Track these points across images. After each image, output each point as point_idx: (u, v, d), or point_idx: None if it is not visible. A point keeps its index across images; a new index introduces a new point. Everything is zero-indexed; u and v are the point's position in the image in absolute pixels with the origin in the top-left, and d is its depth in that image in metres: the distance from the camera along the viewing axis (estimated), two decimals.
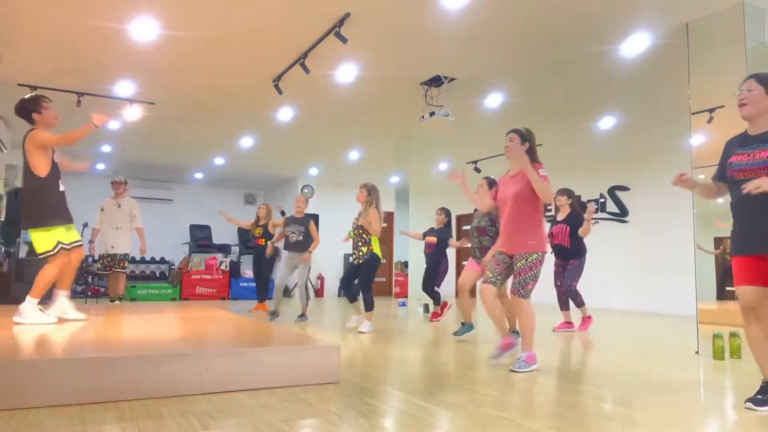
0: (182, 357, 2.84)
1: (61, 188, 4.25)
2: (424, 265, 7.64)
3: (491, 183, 5.33)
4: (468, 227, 6.39)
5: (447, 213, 7.67)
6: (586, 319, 6.37)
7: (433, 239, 7.53)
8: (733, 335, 4.46)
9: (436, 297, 7.62)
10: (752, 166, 2.77)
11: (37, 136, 4.14)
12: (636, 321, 7.99)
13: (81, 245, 4.41)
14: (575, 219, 6.27)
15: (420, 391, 3.08)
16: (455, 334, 5.53)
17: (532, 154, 3.90)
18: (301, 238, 6.92)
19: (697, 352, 4.75)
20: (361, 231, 5.88)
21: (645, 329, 6.95)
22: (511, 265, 3.91)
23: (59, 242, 4.17)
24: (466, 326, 5.53)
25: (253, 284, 11.71)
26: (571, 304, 6.41)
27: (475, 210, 5.53)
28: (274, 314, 6.85)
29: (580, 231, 6.14)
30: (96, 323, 4.30)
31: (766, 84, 2.82)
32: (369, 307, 5.91)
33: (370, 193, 5.93)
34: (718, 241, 6.72)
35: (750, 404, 2.80)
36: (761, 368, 2.84)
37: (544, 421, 2.51)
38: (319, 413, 2.57)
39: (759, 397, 2.81)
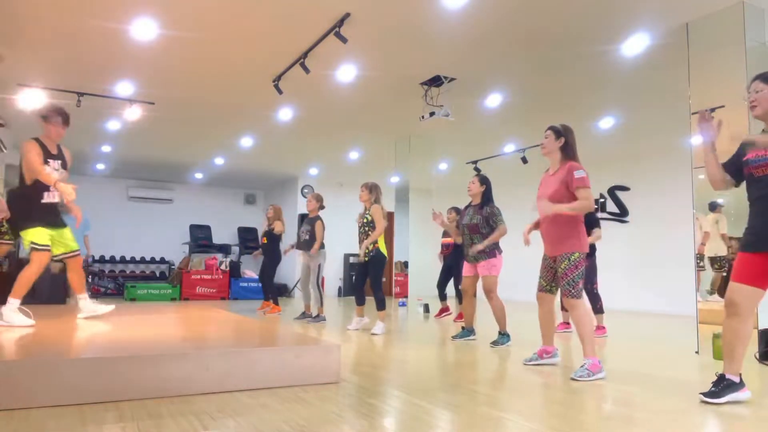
0: (182, 357, 2.84)
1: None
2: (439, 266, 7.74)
3: (483, 180, 5.34)
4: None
5: (458, 211, 7.53)
6: (600, 328, 5.99)
7: (450, 240, 7.56)
8: None
9: (460, 296, 7.56)
10: (767, 161, 2.82)
11: None
12: (636, 321, 7.99)
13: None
14: (588, 218, 6.09)
15: (420, 391, 3.08)
16: (454, 337, 5.50)
17: (568, 150, 3.82)
18: (308, 237, 7.11)
19: (697, 352, 4.75)
20: (367, 229, 5.91)
21: (645, 329, 6.95)
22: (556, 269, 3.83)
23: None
24: (466, 331, 5.50)
25: (253, 284, 11.75)
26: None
27: (467, 206, 5.48)
28: (316, 318, 7.03)
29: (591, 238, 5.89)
30: (96, 323, 4.29)
31: None
32: (381, 306, 5.90)
33: (372, 191, 5.99)
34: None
35: (702, 396, 2.88)
36: (724, 360, 2.93)
37: (545, 421, 2.51)
38: (319, 413, 2.57)
39: (713, 389, 2.89)
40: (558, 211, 3.67)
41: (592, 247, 6.02)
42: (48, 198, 4.21)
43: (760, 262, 2.83)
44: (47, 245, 4.17)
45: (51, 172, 4.13)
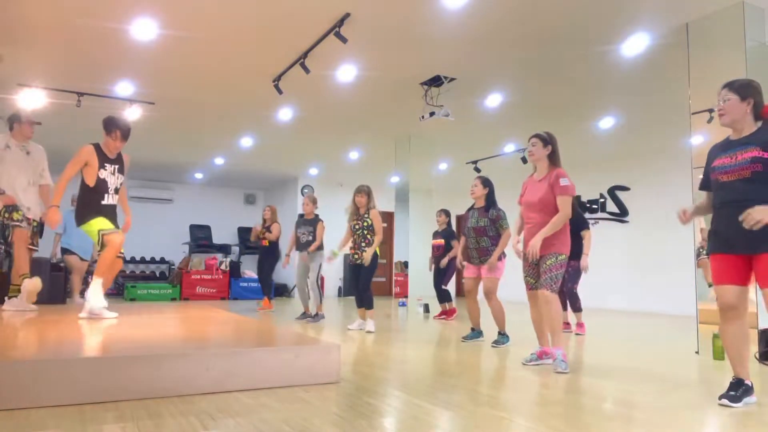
0: (182, 357, 2.84)
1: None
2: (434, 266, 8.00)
3: (485, 182, 5.35)
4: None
5: (447, 213, 7.98)
6: (581, 325, 6.21)
7: (440, 242, 7.82)
8: None
9: (445, 295, 7.92)
10: (734, 168, 2.87)
11: None
12: (636, 321, 8.00)
13: None
14: (576, 221, 6.14)
15: (420, 391, 3.08)
16: (464, 338, 5.50)
17: (554, 157, 4.01)
18: (310, 238, 7.12)
19: (697, 352, 4.75)
20: (365, 232, 5.93)
21: (645, 329, 6.95)
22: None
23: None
24: (476, 332, 5.50)
25: (253, 284, 11.74)
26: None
27: (470, 209, 5.46)
28: (315, 317, 7.05)
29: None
30: (96, 323, 4.29)
31: (738, 91, 2.92)
32: (370, 305, 6.02)
33: (370, 197, 6.05)
34: None
35: (726, 401, 2.86)
36: (734, 366, 2.93)
37: (544, 421, 2.51)
38: (319, 413, 2.57)
39: (732, 393, 2.88)
40: (543, 237, 3.82)
41: (581, 251, 6.08)
42: (108, 200, 4.61)
43: (734, 262, 2.87)
44: (113, 228, 4.52)
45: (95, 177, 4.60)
